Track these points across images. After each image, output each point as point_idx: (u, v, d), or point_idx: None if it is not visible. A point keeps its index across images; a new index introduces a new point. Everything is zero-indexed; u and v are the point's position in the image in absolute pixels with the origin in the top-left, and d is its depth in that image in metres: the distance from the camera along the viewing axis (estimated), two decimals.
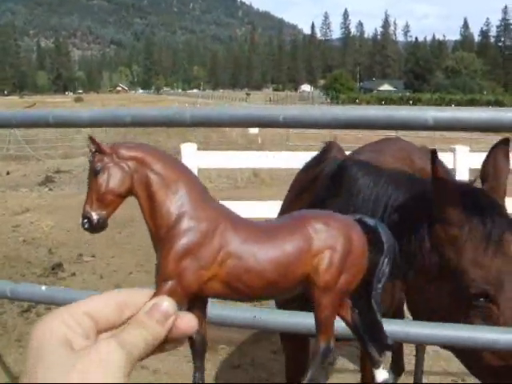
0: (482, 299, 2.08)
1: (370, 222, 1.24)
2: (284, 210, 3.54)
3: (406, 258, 2.31)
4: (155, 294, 0.96)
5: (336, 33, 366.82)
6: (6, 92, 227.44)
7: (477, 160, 8.28)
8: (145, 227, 1.05)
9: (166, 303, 0.93)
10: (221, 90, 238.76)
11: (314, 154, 8.91)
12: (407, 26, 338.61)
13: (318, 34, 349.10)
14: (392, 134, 23.59)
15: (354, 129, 2.01)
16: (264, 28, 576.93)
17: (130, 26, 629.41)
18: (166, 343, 0.95)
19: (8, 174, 20.84)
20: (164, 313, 0.91)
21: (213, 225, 1.05)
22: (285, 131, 30.88)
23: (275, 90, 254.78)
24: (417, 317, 2.41)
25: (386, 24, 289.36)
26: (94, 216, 1.04)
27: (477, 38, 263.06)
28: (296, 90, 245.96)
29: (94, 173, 1.04)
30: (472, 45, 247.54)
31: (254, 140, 30.37)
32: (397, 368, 5.44)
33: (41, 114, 2.35)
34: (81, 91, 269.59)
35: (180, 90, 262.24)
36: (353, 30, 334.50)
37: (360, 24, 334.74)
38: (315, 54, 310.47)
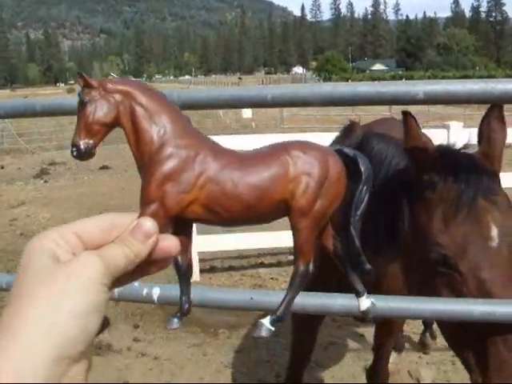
0: (445, 267, 1.95)
1: (350, 152, 1.29)
2: None
3: (389, 231, 2.27)
4: (139, 217, 1.02)
5: (326, 14, 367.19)
6: None
7: (471, 136, 8.32)
8: None
9: (148, 223, 0.98)
10: (213, 76, 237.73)
11: (307, 135, 8.89)
12: (397, 4, 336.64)
13: (308, 16, 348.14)
14: (386, 113, 23.60)
15: (344, 105, 2.00)
16: (254, 11, 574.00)
17: (119, 15, 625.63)
18: (151, 265, 1.00)
19: (2, 168, 20.78)
20: (145, 232, 0.96)
21: (193, 152, 1.11)
22: (278, 115, 30.86)
23: (267, 73, 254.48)
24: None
25: (376, 3, 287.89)
26: (82, 144, 1.09)
27: (468, 13, 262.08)
28: (288, 72, 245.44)
29: (81, 105, 1.10)
30: (463, 21, 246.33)
31: (248, 125, 30.36)
32: (398, 345, 5.48)
33: (29, 103, 2.33)
34: (72, 82, 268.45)
35: (172, 77, 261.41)
36: (343, 10, 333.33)
37: (350, 4, 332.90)
38: (306, 35, 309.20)
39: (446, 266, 1.96)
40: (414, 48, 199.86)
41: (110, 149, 19.64)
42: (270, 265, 8.51)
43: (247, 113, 31.97)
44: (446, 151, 2.13)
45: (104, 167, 19.24)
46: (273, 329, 1.25)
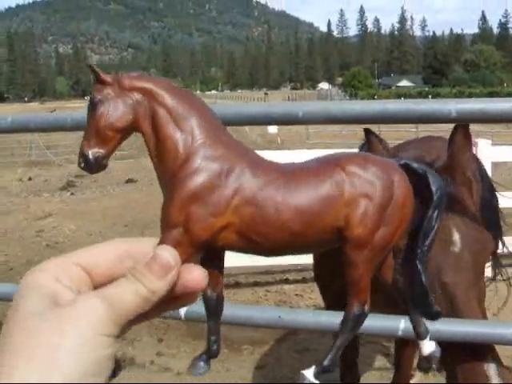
0: None
1: (419, 168, 1.04)
2: None
3: None
4: (159, 244, 0.87)
5: (353, 30, 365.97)
6: (26, 99, 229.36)
7: (499, 154, 8.24)
8: None
9: (167, 253, 0.81)
10: (239, 91, 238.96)
11: (333, 151, 8.93)
12: (424, 20, 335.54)
13: (335, 32, 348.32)
14: (412, 129, 23.45)
15: (374, 124, 1.98)
16: (280, 27, 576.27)
17: (147, 30, 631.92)
18: (174, 301, 0.86)
19: (30, 179, 21.01)
20: (164, 264, 0.80)
21: (227, 165, 0.91)
22: (304, 130, 30.82)
23: (293, 88, 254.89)
24: None
25: (402, 19, 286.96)
26: (91, 154, 0.90)
27: (495, 30, 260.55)
28: (314, 88, 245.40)
29: (92, 105, 0.91)
30: (491, 37, 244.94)
31: (273, 140, 30.35)
32: (423, 365, 5.37)
33: (59, 118, 2.34)
34: None
35: (198, 92, 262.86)
36: (369, 26, 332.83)
37: (376, 20, 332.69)
38: (332, 51, 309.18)
39: None
40: (441, 64, 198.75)
41: (136, 162, 19.76)
42: (295, 281, 8.45)
43: (273, 128, 32.01)
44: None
45: (130, 180, 19.36)
46: (317, 382, 1.01)
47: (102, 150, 0.90)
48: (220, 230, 0.90)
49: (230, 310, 2.02)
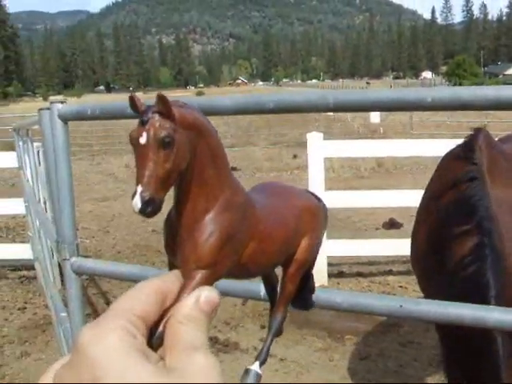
0: None
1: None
2: (426, 202, 3.45)
3: None
4: (187, 283, 0.83)
5: (458, 16, 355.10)
6: (131, 88, 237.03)
7: None
8: None
9: (213, 294, 0.80)
10: (340, 80, 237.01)
11: (437, 141, 8.67)
12: None
13: (439, 19, 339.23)
14: None
15: (510, 110, 1.87)
16: (382, 15, 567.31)
17: (248, 20, 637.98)
18: None
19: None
20: (212, 304, 0.79)
21: (247, 207, 0.94)
22: (407, 120, 30.19)
23: (395, 77, 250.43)
24: None
25: (511, 4, 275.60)
26: (157, 199, 0.80)
27: None
28: (417, 77, 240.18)
29: (161, 144, 0.81)
30: None
31: (375, 129, 29.92)
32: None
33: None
34: (201, 85, 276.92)
35: (299, 81, 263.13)
36: (475, 12, 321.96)
37: (483, 6, 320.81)
38: (436, 39, 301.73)
39: None
40: None
41: (239, 151, 19.98)
42: (399, 273, 8.29)
43: (375, 117, 31.58)
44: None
45: (233, 169, 19.63)
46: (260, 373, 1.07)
47: (162, 195, 0.81)
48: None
49: (352, 298, 1.98)
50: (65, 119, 2.64)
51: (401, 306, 1.90)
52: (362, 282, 8.06)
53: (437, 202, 3.24)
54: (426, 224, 3.32)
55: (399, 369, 5.67)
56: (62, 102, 2.66)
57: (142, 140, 0.80)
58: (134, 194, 0.79)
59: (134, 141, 0.82)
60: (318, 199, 1.22)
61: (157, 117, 0.82)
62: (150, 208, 0.78)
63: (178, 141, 0.82)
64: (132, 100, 0.84)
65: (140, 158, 0.81)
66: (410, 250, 3.58)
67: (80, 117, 2.64)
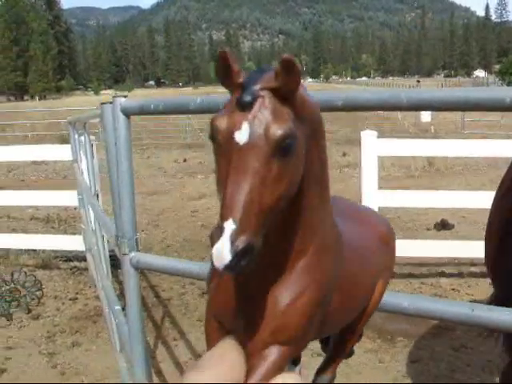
0: None
1: None
2: (499, 201, 3.37)
3: None
4: (258, 366, 0.63)
5: None
6: (180, 84, 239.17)
7: None
8: None
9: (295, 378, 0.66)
10: (390, 78, 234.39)
11: (490, 142, 8.47)
12: None
13: (493, 16, 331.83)
14: None
15: None
16: (435, 12, 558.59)
17: (298, 16, 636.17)
18: None
19: (185, 161, 21.77)
20: None
21: (338, 243, 0.69)
22: (459, 120, 29.66)
23: (447, 76, 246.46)
24: None
25: None
26: (256, 245, 0.50)
27: None
28: (469, 75, 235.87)
29: (277, 148, 0.50)
30: None
31: (426, 129, 29.47)
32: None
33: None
34: None
35: (349, 78, 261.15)
36: None
37: None
38: (490, 37, 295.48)
39: None
40: None
41: None
42: (451, 275, 8.13)
43: (426, 117, 31.10)
44: None
45: None
46: None
47: (261, 236, 0.52)
48: None
49: (418, 302, 1.93)
50: (127, 114, 2.65)
51: (472, 311, 1.84)
52: (414, 284, 7.92)
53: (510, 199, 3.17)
54: (501, 223, 3.25)
55: (451, 374, 5.56)
56: (124, 97, 2.68)
57: (242, 137, 0.50)
58: (220, 233, 0.48)
59: (222, 135, 0.51)
60: (384, 219, 1.04)
61: (270, 98, 0.51)
62: (244, 262, 0.49)
63: (300, 143, 0.52)
64: (224, 59, 0.55)
65: (235, 170, 0.49)
66: (483, 251, 3.50)
67: (143, 111, 2.64)
